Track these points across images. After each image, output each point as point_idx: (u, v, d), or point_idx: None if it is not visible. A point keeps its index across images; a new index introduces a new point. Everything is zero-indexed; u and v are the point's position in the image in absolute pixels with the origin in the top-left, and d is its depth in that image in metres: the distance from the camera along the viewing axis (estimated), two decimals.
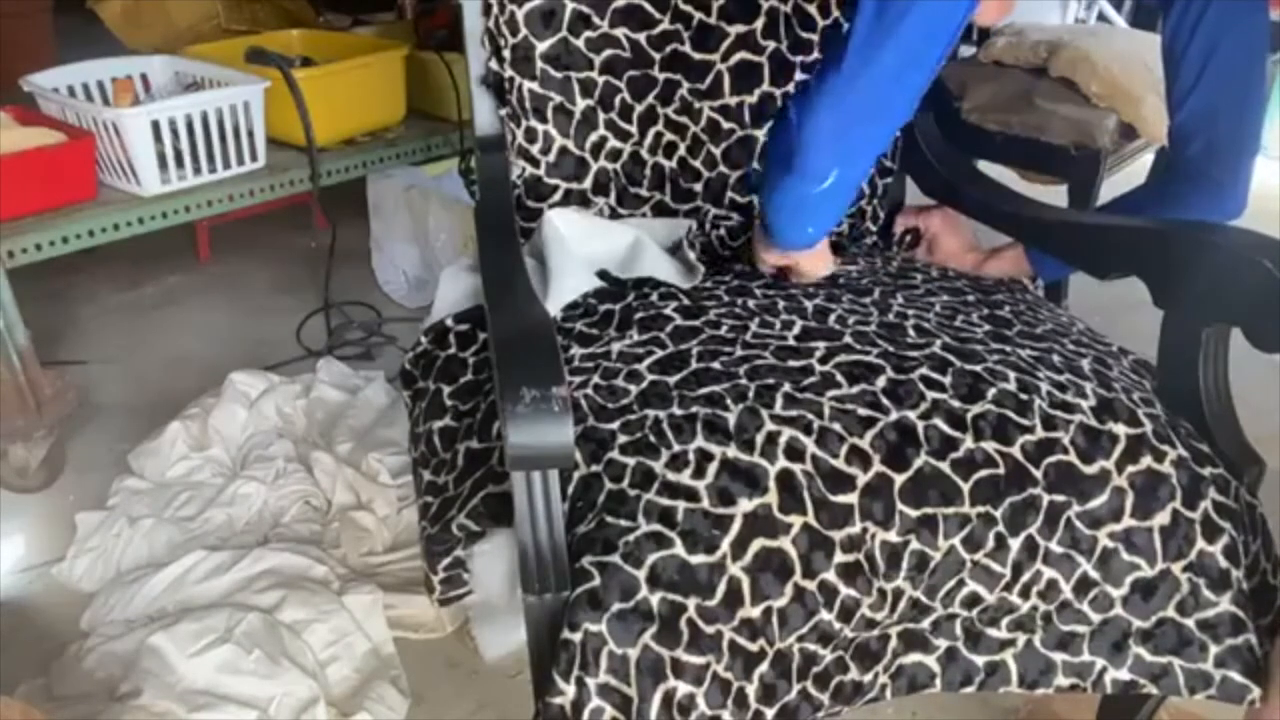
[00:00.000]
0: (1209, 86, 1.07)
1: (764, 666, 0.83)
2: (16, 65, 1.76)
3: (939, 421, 0.90)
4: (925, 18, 0.92)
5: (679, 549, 0.80)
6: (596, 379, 0.94)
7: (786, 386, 0.91)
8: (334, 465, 1.62)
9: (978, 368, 0.95)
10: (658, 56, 1.24)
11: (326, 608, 1.37)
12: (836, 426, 0.88)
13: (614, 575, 0.79)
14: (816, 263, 1.13)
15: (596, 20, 1.21)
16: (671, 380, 0.93)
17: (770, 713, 0.84)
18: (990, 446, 0.89)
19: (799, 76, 1.28)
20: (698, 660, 0.80)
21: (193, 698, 1.22)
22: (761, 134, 1.28)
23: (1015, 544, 0.88)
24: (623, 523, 0.82)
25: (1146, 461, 0.91)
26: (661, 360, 0.96)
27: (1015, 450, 0.89)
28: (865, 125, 0.98)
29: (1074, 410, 0.92)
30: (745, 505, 0.83)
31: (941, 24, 0.93)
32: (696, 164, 1.27)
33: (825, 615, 0.84)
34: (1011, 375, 0.95)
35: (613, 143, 1.24)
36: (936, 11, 0.92)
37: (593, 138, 1.23)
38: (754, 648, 0.82)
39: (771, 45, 1.27)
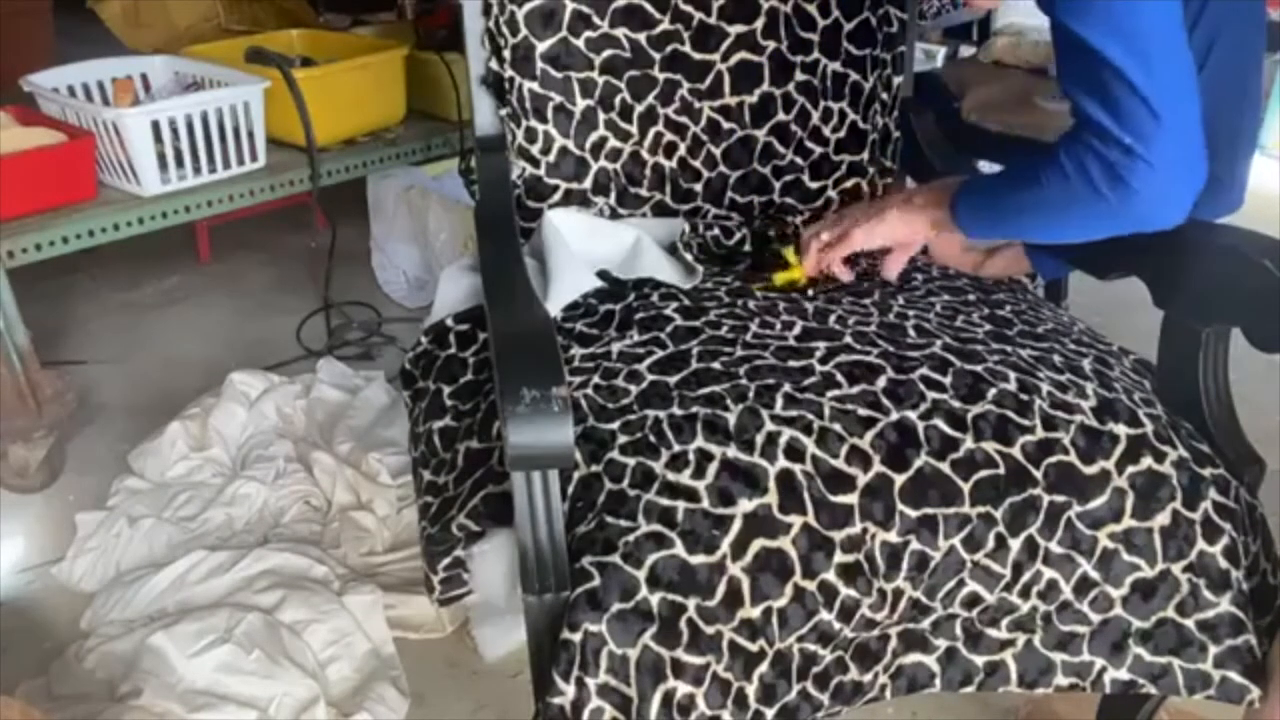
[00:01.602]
0: (1208, 81, 1.07)
1: (764, 667, 0.83)
2: (16, 65, 1.75)
3: (939, 422, 0.90)
4: None
5: (679, 549, 0.80)
6: (596, 379, 0.94)
7: (787, 387, 0.91)
8: (334, 465, 1.62)
9: (978, 368, 0.95)
10: (658, 56, 1.24)
11: (326, 608, 1.37)
12: (837, 427, 0.88)
13: (614, 575, 0.79)
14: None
15: (596, 20, 1.21)
16: (672, 380, 0.93)
17: (770, 713, 0.84)
18: (990, 447, 0.89)
19: (799, 76, 1.28)
20: (698, 660, 0.80)
21: (193, 698, 1.22)
22: (762, 134, 1.28)
23: (1015, 544, 0.88)
24: (623, 523, 0.82)
25: (1147, 462, 0.91)
26: (662, 360, 0.96)
27: (1015, 450, 0.89)
28: (1199, 145, 0.90)
29: (1074, 410, 0.92)
30: (745, 505, 0.83)
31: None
32: (696, 164, 1.27)
33: (825, 615, 0.84)
34: (1012, 375, 0.95)
35: (613, 143, 1.24)
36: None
37: (593, 138, 1.23)
38: (754, 648, 0.82)
39: (771, 45, 1.27)
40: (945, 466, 0.87)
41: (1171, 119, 0.85)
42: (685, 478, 0.84)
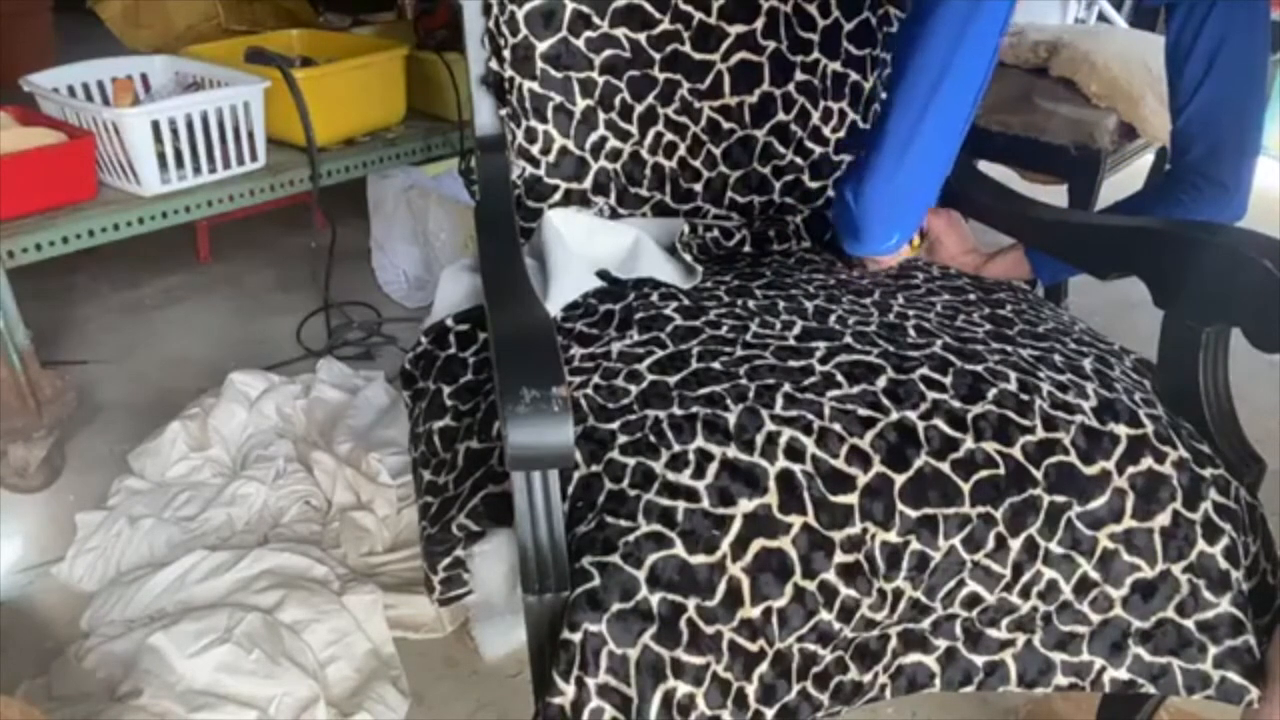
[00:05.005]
0: (1215, 86, 1.07)
1: (764, 667, 0.83)
2: (16, 65, 1.75)
3: (939, 422, 0.90)
4: (957, 85, 0.98)
5: (679, 549, 0.80)
6: (596, 379, 0.94)
7: (787, 387, 0.91)
8: (334, 465, 1.62)
9: (978, 368, 0.95)
10: (658, 56, 1.24)
11: (326, 608, 1.37)
12: (837, 427, 0.88)
13: (614, 575, 0.79)
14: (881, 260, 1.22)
15: (596, 20, 1.21)
16: (672, 380, 0.93)
17: (770, 713, 0.84)
18: (991, 447, 0.89)
19: (799, 76, 1.28)
20: (697, 660, 0.80)
21: (193, 698, 1.22)
22: (762, 134, 1.28)
23: (1015, 544, 0.88)
24: (623, 523, 0.82)
25: (1147, 462, 0.91)
26: (661, 360, 0.96)
27: (1016, 451, 0.89)
28: (916, 193, 1.07)
29: (1075, 411, 0.92)
30: (745, 505, 0.83)
31: (971, 84, 1.00)
32: (696, 164, 1.27)
33: (825, 615, 0.84)
34: (1012, 375, 0.95)
35: (613, 143, 1.24)
36: (967, 74, 0.98)
37: (593, 138, 1.23)
38: (754, 648, 0.82)
39: (771, 45, 1.27)
40: (945, 466, 0.87)
41: (893, 147, 1.02)
42: (685, 478, 0.84)
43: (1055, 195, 1.70)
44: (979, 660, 0.91)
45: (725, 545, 0.81)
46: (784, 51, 1.27)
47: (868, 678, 0.89)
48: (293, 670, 1.27)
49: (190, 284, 2.38)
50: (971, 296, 1.13)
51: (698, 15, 1.24)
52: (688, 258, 1.17)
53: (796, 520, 0.83)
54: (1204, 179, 1.10)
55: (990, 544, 0.87)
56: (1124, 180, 2.00)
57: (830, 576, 0.83)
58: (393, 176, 2.25)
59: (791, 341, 0.99)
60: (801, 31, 1.28)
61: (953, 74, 0.97)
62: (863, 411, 0.89)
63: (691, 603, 0.80)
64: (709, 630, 0.80)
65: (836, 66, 1.30)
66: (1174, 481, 0.91)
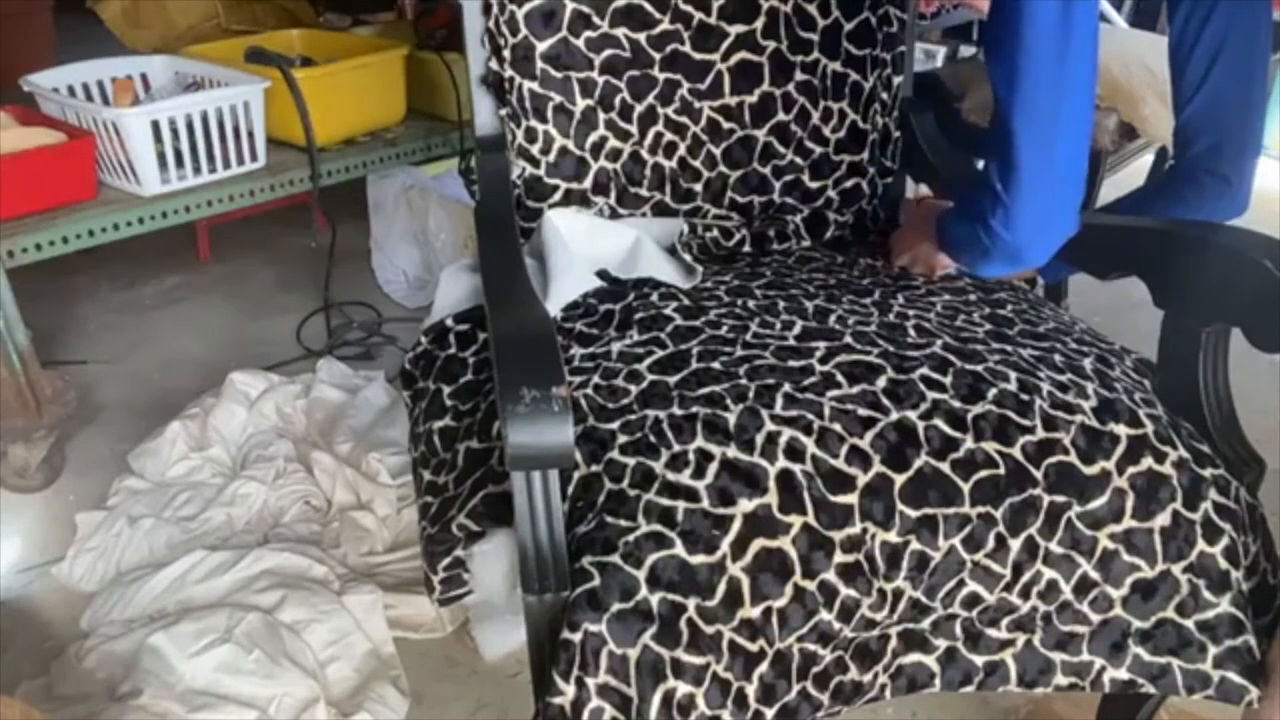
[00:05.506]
0: (1217, 82, 1.07)
1: (764, 666, 0.83)
2: (16, 65, 1.75)
3: (939, 422, 0.90)
4: (1075, 81, 0.93)
5: (679, 549, 0.80)
6: (596, 379, 0.94)
7: (787, 386, 0.91)
8: (334, 465, 1.62)
9: (978, 368, 0.95)
10: (658, 56, 1.24)
11: (326, 608, 1.37)
12: (836, 427, 0.88)
13: (614, 575, 0.79)
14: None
15: (596, 20, 1.21)
16: (671, 380, 0.93)
17: (770, 713, 0.84)
18: (991, 447, 0.89)
19: (799, 76, 1.28)
20: (697, 660, 0.80)
21: (193, 698, 1.22)
22: (762, 134, 1.28)
23: (1015, 544, 0.88)
24: (623, 523, 0.82)
25: (1147, 463, 0.91)
26: (661, 360, 0.96)
27: (1016, 451, 0.89)
28: (1068, 197, 0.99)
29: (1075, 411, 0.92)
30: (745, 505, 0.83)
31: (1086, 71, 0.95)
32: (696, 164, 1.27)
33: (825, 615, 0.84)
34: (1012, 375, 0.95)
35: (613, 143, 1.24)
36: (1080, 63, 0.93)
37: (593, 138, 1.23)
38: (754, 648, 0.82)
39: (771, 45, 1.27)
40: (945, 466, 0.87)
41: (1031, 169, 0.95)
42: (685, 478, 0.84)
43: None
44: (979, 660, 0.91)
45: (725, 545, 0.81)
46: (784, 51, 1.27)
47: (868, 678, 0.89)
48: (293, 670, 1.27)
49: (190, 284, 2.38)
50: (972, 296, 1.13)
51: (698, 15, 1.24)
52: (687, 257, 1.17)
53: (796, 520, 0.83)
54: (1207, 174, 1.10)
55: (990, 544, 0.87)
56: (1124, 180, 2.00)
57: (830, 576, 0.83)
58: (393, 176, 2.25)
59: (791, 341, 0.99)
60: (801, 31, 1.28)
61: (1070, 69, 0.93)
62: (863, 411, 0.89)
63: (691, 603, 0.80)
64: (709, 630, 0.80)
65: (836, 66, 1.30)
66: (1174, 481, 0.91)
